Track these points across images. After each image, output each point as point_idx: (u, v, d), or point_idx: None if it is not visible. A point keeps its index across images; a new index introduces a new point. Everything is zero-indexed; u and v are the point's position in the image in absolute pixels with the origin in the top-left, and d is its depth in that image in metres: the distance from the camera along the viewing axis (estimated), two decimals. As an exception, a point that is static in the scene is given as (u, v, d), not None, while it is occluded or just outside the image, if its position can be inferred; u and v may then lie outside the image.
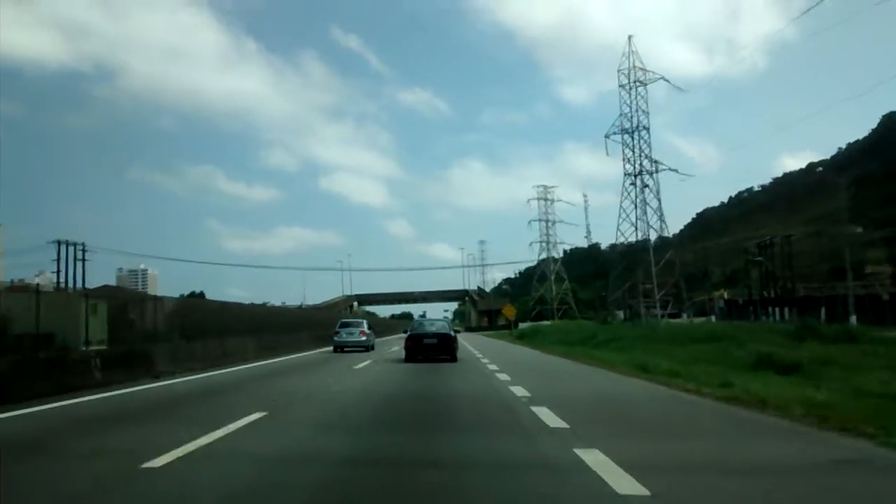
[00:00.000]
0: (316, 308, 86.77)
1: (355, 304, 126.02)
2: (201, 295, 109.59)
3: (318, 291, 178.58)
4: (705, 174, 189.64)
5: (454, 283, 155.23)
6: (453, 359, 18.46)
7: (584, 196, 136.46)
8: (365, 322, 32.88)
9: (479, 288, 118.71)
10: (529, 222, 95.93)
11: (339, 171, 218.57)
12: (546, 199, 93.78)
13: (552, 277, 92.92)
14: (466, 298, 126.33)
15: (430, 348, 18.83)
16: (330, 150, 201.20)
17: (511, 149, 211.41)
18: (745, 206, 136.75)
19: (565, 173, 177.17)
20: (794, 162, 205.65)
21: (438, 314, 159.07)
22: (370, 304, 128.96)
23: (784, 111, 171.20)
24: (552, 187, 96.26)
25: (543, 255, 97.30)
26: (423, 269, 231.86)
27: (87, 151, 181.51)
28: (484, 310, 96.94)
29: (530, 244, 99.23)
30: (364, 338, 28.98)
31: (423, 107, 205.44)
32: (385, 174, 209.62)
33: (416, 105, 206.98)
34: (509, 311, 48.03)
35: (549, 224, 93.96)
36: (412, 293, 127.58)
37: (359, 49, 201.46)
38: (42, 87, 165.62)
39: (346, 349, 27.96)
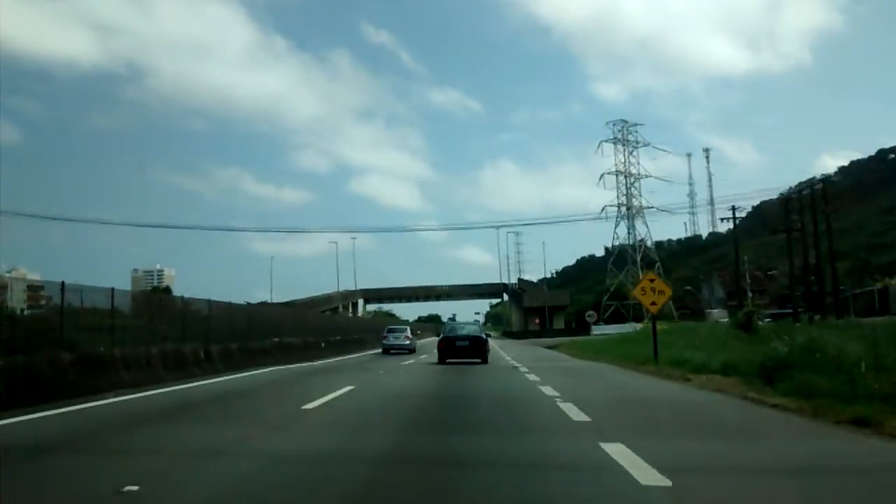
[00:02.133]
0: (290, 305, 59.94)
1: (360, 301, 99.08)
2: (167, 290, 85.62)
3: (323, 286, 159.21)
4: (742, 172, 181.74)
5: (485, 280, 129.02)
6: (484, 361, 19.02)
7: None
8: (408, 328, 35.45)
9: (519, 280, 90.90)
10: (602, 176, 67.43)
11: (369, 172, 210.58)
12: (626, 142, 65.30)
13: (638, 257, 64.54)
14: (505, 295, 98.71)
15: (462, 350, 19.35)
16: (360, 151, 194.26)
17: (545, 149, 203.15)
18: (808, 198, 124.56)
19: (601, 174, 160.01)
20: (835, 161, 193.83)
21: (468, 315, 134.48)
22: (381, 300, 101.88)
23: (826, 108, 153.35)
24: (635, 125, 67.29)
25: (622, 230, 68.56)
26: (453, 227, 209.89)
27: (112, 150, 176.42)
28: (533, 307, 69.16)
29: (602, 209, 70.74)
30: (408, 341, 31.96)
31: (454, 106, 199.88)
32: (416, 176, 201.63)
33: (448, 104, 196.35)
34: (659, 294, 17.29)
35: (631, 180, 65.52)
36: (434, 288, 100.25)
37: (390, 46, 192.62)
38: (70, 88, 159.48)
39: (392, 351, 30.69)
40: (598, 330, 55.36)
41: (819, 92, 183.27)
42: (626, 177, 66.35)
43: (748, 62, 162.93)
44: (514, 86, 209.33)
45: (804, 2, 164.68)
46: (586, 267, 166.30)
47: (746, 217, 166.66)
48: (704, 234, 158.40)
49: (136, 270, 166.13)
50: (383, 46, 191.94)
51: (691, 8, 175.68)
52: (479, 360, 18.93)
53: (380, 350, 31.76)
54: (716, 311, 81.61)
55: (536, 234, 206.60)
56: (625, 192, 66.66)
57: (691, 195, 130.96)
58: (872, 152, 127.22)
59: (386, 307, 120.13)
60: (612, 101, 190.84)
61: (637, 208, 66.78)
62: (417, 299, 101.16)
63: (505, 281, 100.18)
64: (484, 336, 20.74)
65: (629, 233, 67.36)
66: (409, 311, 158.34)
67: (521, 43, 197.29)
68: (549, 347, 34.62)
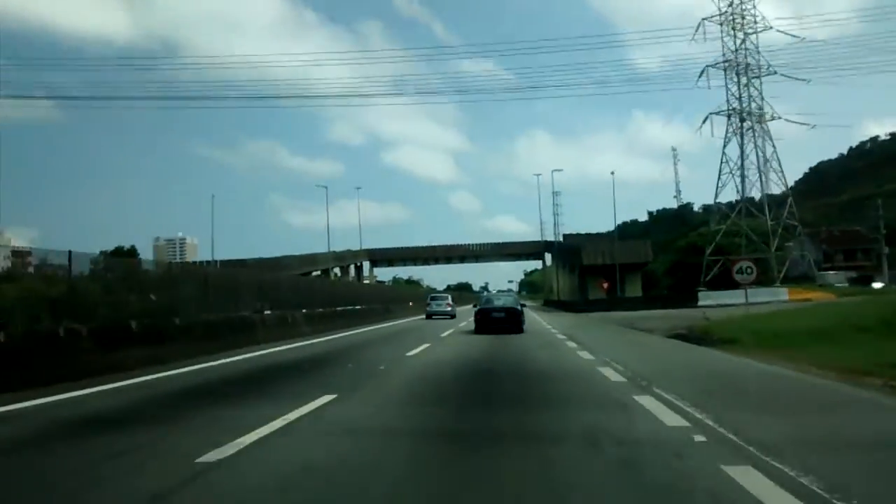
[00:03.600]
0: (238, 264, 41.53)
1: (366, 264, 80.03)
2: (130, 253, 69.93)
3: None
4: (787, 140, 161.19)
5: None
6: (520, 330, 18.50)
7: (674, 150, 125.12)
8: (449, 297, 37.91)
9: (565, 237, 70.44)
10: (704, 69, 45.49)
11: (402, 144, 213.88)
12: (740, 22, 43.67)
13: (762, 190, 43.28)
14: (547, 256, 78.54)
15: (499, 321, 18.95)
16: (393, 123, 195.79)
17: (579, 119, 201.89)
18: (869, 158, 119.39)
19: (639, 143, 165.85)
20: (880, 128, 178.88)
21: (501, 284, 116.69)
22: (391, 262, 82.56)
23: (871, 74, 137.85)
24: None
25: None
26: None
27: (148, 126, 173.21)
28: (596, 265, 46.58)
29: (705, 119, 48.85)
30: (449, 308, 34.17)
31: (487, 77, 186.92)
32: (449, 147, 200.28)
33: (481, 75, 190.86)
34: None
35: (748, 76, 43.82)
36: (457, 247, 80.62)
37: (423, 16, 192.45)
38: (103, 62, 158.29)
39: (434, 317, 32.76)
40: (708, 299, 35.19)
41: (864, 58, 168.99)
42: (737, 73, 44.83)
43: (792, 27, 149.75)
44: (548, 55, 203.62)
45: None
46: (629, 232, 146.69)
47: (802, 179, 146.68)
48: (757, 197, 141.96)
49: (157, 239, 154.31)
50: (415, 17, 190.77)
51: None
52: (515, 330, 18.37)
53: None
54: (831, 273, 60.56)
55: (575, 197, 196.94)
56: (737, 94, 45.33)
57: (742, 157, 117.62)
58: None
59: (400, 271, 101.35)
60: (646, 68, 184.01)
61: (757, 116, 45.20)
62: (437, 261, 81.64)
63: (550, 238, 79.94)
64: (519, 307, 20.01)
65: (743, 152, 45.57)
66: (432, 278, 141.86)
67: (556, 9, 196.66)
68: (709, 342, 14.45)
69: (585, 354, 11.41)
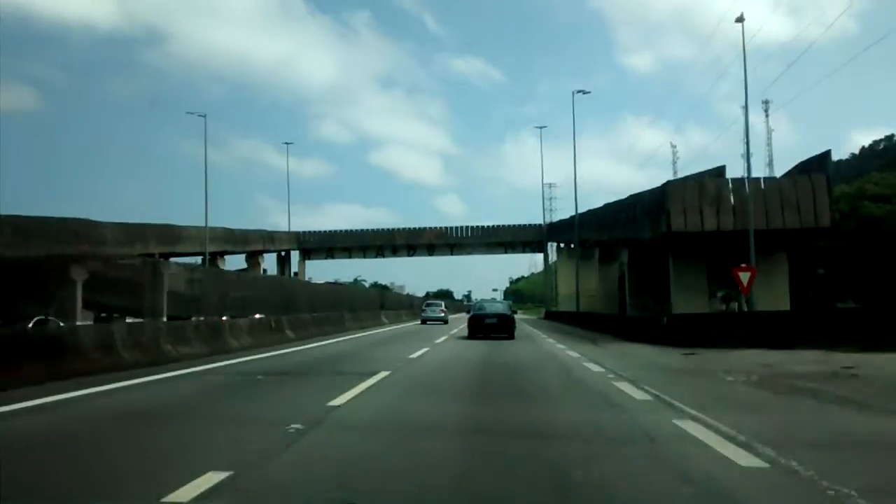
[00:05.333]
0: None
1: (294, 253, 56.07)
2: None
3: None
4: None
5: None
6: (511, 336, 19.59)
7: (673, 146, 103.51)
8: (443, 303, 41.12)
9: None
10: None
11: (389, 144, 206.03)
12: None
13: None
14: (551, 247, 55.32)
15: (491, 327, 20.00)
16: (381, 122, 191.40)
17: (570, 122, 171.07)
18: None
19: (626, 149, 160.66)
20: (863, 138, 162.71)
21: (484, 291, 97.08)
22: (332, 252, 58.21)
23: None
24: None
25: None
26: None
27: (131, 120, 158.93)
28: (696, 233, 21.45)
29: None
30: (442, 314, 36.96)
31: (477, 76, 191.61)
32: (437, 148, 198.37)
33: (471, 74, 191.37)
34: None
35: None
36: (422, 232, 57.10)
37: (414, 10, 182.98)
38: (86, 53, 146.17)
39: (428, 322, 35.10)
40: None
41: (861, 63, 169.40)
42: None
43: (788, 31, 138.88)
44: (541, 55, 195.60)
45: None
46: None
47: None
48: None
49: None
50: (407, 11, 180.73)
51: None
52: (506, 336, 19.31)
53: None
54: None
55: (569, 199, 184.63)
56: None
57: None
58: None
59: (354, 266, 77.62)
60: (642, 72, 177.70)
61: None
62: (395, 252, 57.64)
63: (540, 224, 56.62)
64: (510, 313, 21.13)
65: None
66: (410, 285, 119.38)
67: (550, 8, 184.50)
68: None
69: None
